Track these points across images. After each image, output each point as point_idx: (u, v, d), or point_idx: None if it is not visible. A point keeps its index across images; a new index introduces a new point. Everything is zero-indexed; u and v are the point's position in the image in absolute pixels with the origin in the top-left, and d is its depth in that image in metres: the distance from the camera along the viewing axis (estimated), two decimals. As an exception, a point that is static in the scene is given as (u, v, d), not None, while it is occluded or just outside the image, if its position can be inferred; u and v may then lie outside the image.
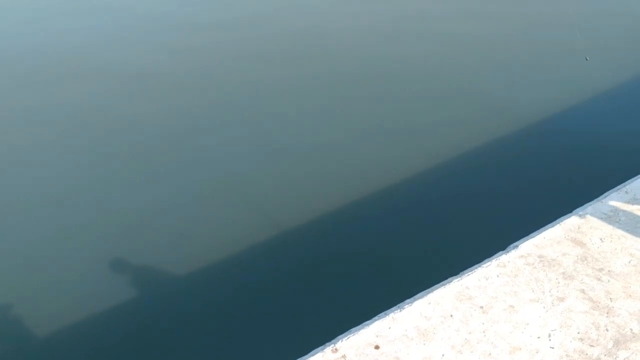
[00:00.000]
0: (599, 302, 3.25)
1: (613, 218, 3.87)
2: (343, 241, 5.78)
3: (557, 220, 3.96)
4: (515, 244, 3.81)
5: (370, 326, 3.21)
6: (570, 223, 3.88)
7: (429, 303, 3.34)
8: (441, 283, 3.54)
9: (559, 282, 3.39)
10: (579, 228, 3.81)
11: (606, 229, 3.78)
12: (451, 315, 3.23)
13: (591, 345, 3.00)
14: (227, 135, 8.03)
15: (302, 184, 6.82)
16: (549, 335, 3.06)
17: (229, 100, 9.12)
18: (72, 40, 12.35)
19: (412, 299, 3.46)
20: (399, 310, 3.31)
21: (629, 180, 4.26)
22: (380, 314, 3.34)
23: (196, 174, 7.14)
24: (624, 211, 3.92)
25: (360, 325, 3.25)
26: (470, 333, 3.10)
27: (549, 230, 3.85)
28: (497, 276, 3.49)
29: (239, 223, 6.20)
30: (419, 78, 9.64)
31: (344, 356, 3.01)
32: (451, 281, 3.52)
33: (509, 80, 9.53)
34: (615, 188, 4.19)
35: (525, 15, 12.63)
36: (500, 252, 3.77)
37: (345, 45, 11.17)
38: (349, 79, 9.60)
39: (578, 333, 3.07)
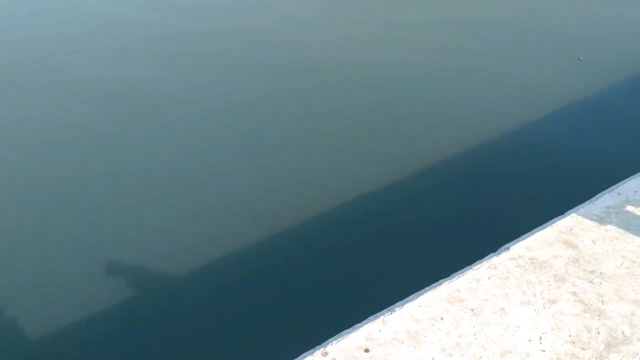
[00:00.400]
0: (591, 305, 3.23)
1: (605, 220, 3.85)
2: (333, 243, 5.73)
3: (549, 222, 3.93)
4: (506, 245, 3.78)
5: (361, 329, 3.17)
6: (562, 225, 3.86)
7: (420, 306, 3.31)
8: (432, 285, 3.50)
9: (550, 285, 3.37)
10: (570, 230, 3.79)
11: (598, 230, 3.76)
12: (442, 318, 3.20)
13: (582, 349, 2.97)
14: (221, 138, 7.99)
15: (293, 186, 6.78)
16: (540, 338, 3.03)
17: (217, 109, 9.04)
18: (50, 49, 12.09)
19: (402, 301, 3.43)
20: (389, 313, 3.28)
21: (621, 182, 4.24)
22: (371, 317, 3.30)
23: (187, 179, 7.09)
24: (616, 213, 3.90)
25: (351, 329, 3.22)
26: (460, 336, 3.07)
27: (541, 232, 3.82)
28: (488, 278, 3.46)
29: (228, 226, 6.16)
30: (404, 84, 9.58)
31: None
32: (442, 283, 3.49)
33: (501, 83, 9.53)
34: (608, 190, 4.17)
35: (505, 21, 12.60)
36: (491, 254, 3.74)
37: (325, 54, 11.05)
38: (329, 89, 9.50)
39: (569, 336, 3.05)
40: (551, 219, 3.99)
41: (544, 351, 2.96)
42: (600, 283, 3.37)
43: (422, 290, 3.48)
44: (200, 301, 5.22)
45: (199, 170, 7.22)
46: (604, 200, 4.05)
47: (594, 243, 3.66)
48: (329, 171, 7.02)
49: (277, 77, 10.02)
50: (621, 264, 3.49)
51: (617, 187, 4.18)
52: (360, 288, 5.01)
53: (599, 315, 3.16)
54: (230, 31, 12.56)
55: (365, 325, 3.20)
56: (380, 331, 3.14)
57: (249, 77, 10.01)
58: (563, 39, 10.15)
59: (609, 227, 3.77)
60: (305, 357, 3.04)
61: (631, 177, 4.29)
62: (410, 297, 3.46)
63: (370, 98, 9.02)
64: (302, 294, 5.09)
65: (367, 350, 3.02)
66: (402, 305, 3.34)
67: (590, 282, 3.38)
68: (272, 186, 6.76)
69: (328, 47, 11.37)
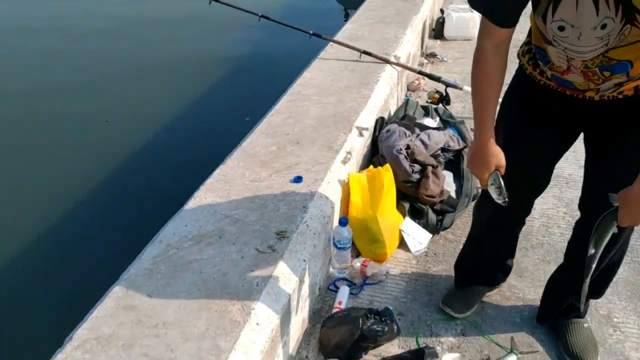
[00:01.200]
0: (163, 357, 3.34)
1: (155, 270, 4.05)
2: None
3: (106, 293, 3.90)
4: (70, 335, 3.57)
5: None
6: (118, 290, 3.88)
7: None
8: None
9: (121, 356, 3.34)
10: (127, 293, 3.84)
11: (149, 283, 3.92)
12: None
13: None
14: None
15: None
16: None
17: None
18: None
19: None
20: None
21: (160, 230, 4.54)
22: None
23: None
24: (162, 260, 4.15)
25: None
26: None
27: (100, 306, 3.76)
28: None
29: None
30: None
31: None
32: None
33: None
34: (151, 242, 4.40)
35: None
36: (57, 350, 3.48)
37: None
38: None
39: (151, 399, 3.08)
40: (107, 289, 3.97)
41: None
42: (166, 333, 3.52)
43: None
44: None
45: None
46: (150, 252, 4.25)
47: (150, 297, 3.80)
48: None
49: None
50: (179, 306, 3.73)
51: (158, 236, 4.44)
52: None
53: (170, 364, 3.30)
54: None
55: None
56: None
57: None
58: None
59: (160, 277, 3.98)
60: None
61: (168, 223, 4.63)
62: None
63: None
64: None
65: None
66: None
67: (157, 336, 3.49)
68: None
69: None
